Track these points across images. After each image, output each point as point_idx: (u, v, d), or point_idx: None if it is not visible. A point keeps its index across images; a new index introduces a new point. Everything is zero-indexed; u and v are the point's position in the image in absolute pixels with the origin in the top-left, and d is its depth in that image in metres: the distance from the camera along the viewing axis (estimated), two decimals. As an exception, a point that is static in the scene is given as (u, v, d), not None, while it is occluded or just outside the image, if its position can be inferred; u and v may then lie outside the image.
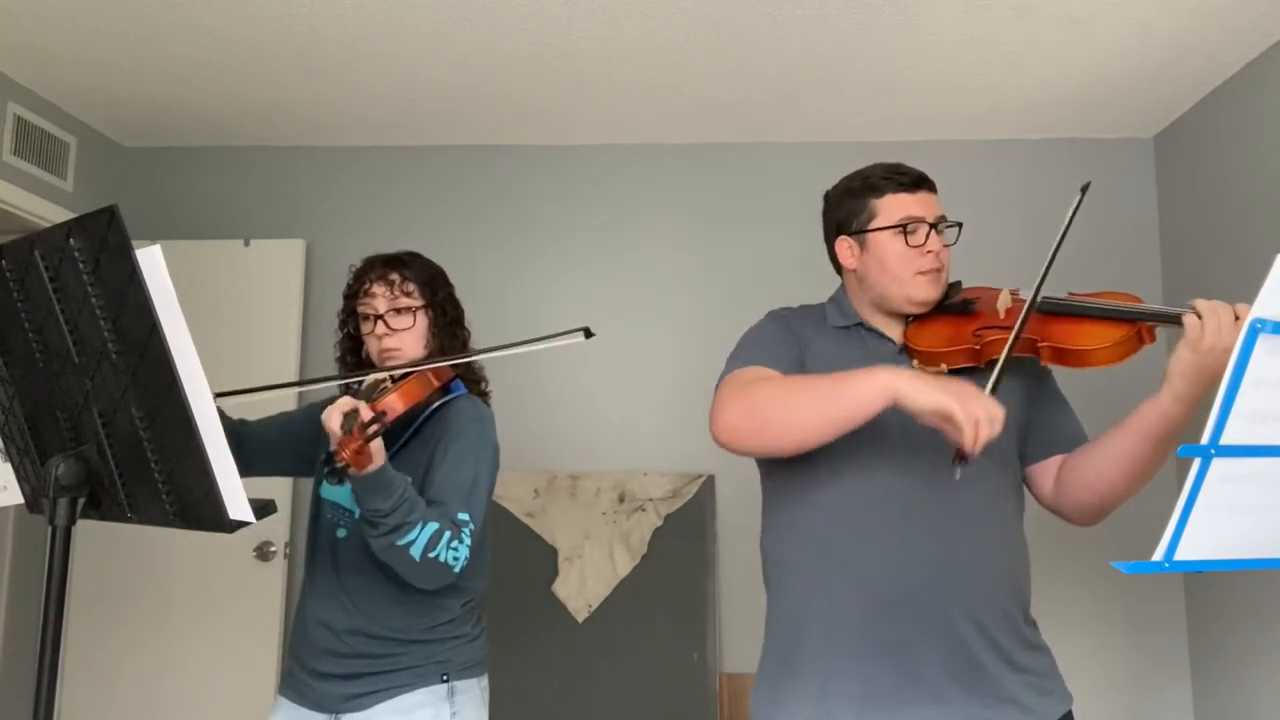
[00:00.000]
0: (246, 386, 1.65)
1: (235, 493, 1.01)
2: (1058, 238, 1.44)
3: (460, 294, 1.83)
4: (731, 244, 3.60)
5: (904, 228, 1.49)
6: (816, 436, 1.32)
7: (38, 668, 0.99)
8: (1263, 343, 0.92)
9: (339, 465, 1.34)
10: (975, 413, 1.18)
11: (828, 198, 1.62)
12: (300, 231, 3.64)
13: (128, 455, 1.07)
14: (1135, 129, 3.50)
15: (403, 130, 3.57)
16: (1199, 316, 1.23)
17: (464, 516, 1.55)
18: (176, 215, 3.69)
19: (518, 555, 3.28)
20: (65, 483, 1.05)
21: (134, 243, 0.99)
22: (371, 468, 1.40)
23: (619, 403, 3.53)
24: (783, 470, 1.49)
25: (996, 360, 1.37)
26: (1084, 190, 1.48)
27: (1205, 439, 0.94)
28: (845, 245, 1.56)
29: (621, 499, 3.35)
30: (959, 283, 1.57)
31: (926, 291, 1.49)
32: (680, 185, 3.64)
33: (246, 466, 1.70)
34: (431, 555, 1.47)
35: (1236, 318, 1.22)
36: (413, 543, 1.46)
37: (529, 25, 2.75)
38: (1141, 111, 3.34)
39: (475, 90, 3.22)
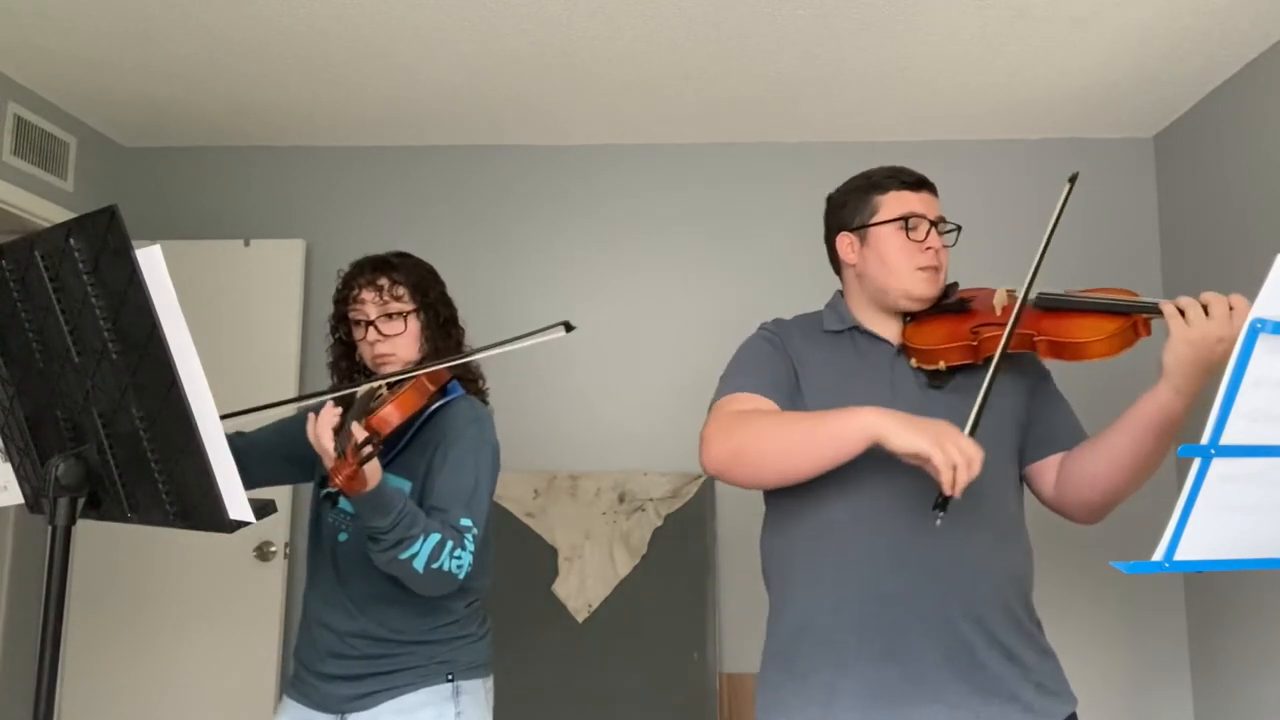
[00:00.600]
0: (245, 405, 1.63)
1: (235, 493, 1.01)
2: (1048, 230, 1.45)
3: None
4: (731, 244, 3.60)
5: (905, 222, 1.50)
6: (799, 475, 1.36)
7: (38, 668, 0.99)
8: (1263, 343, 0.92)
9: (332, 490, 1.31)
10: (953, 456, 1.19)
11: (830, 199, 1.63)
12: (300, 231, 3.64)
13: (128, 455, 1.07)
14: (1135, 129, 3.50)
15: (403, 130, 3.57)
16: (1180, 311, 1.24)
17: (466, 522, 1.55)
18: (176, 215, 3.69)
19: (518, 555, 3.28)
20: (65, 483, 1.05)
21: (134, 243, 0.99)
22: (367, 489, 1.38)
23: (619, 403, 3.53)
24: None
25: (992, 357, 1.37)
26: (1072, 181, 1.49)
27: (1205, 439, 0.94)
28: (846, 241, 1.57)
29: (621, 499, 3.35)
30: (955, 284, 1.58)
31: (924, 288, 1.50)
32: (680, 185, 3.64)
33: (249, 479, 1.70)
34: (435, 566, 1.47)
35: (1231, 308, 1.23)
36: (415, 555, 1.45)
37: (529, 25, 2.75)
38: (1141, 111, 3.34)
39: (475, 90, 3.22)
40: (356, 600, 1.64)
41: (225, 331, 3.42)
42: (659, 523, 3.31)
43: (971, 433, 1.28)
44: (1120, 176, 3.53)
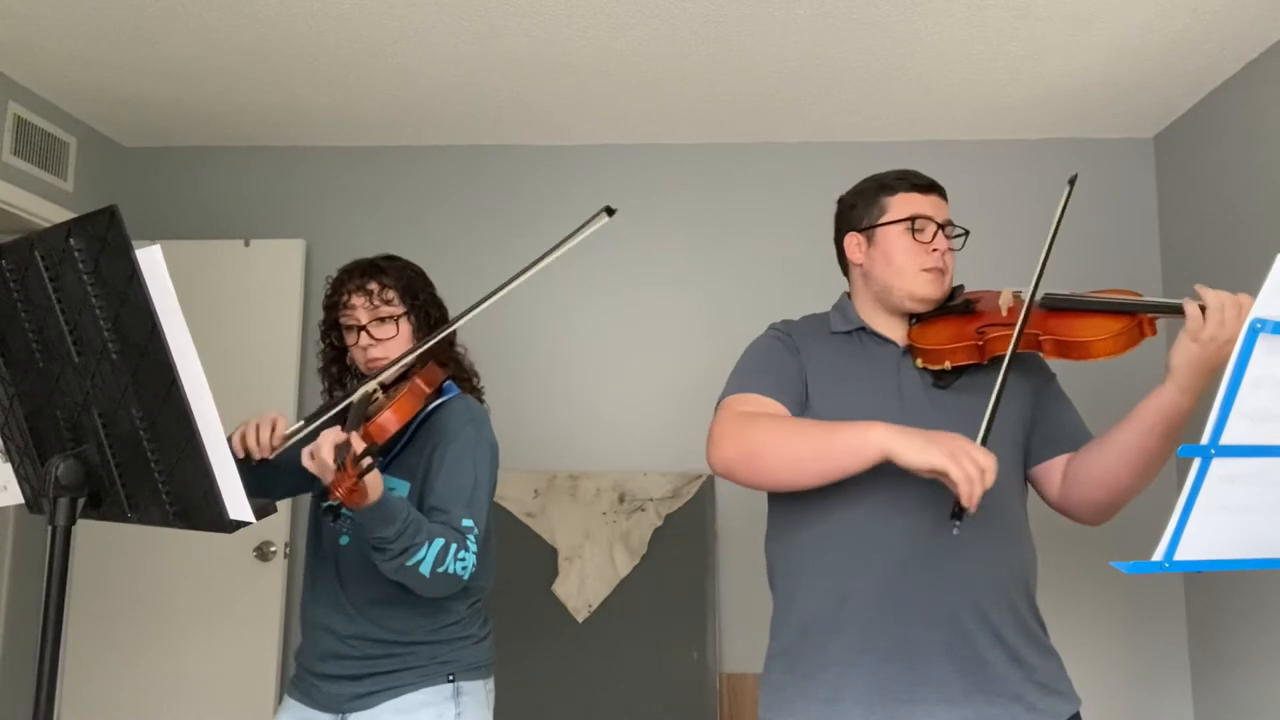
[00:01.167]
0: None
1: (235, 493, 1.01)
2: (1051, 232, 1.46)
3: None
4: (732, 244, 3.60)
5: (912, 223, 1.51)
6: (806, 484, 1.37)
7: (38, 668, 0.99)
8: (1263, 343, 0.92)
9: (334, 504, 1.30)
10: (969, 469, 1.20)
11: (841, 200, 1.64)
12: (300, 231, 3.64)
13: (128, 455, 1.07)
14: (1135, 129, 3.50)
15: (403, 130, 3.57)
16: (1203, 307, 1.24)
17: (468, 522, 1.55)
18: (176, 215, 3.69)
19: (518, 555, 3.28)
20: (65, 483, 1.05)
21: (134, 243, 0.99)
22: (369, 502, 1.37)
23: (619, 403, 3.53)
24: None
25: (1000, 357, 1.38)
26: (1071, 183, 1.50)
27: (1205, 439, 0.94)
28: (854, 241, 1.58)
29: (621, 499, 3.35)
30: (961, 286, 1.58)
31: (928, 289, 1.50)
32: (680, 185, 3.64)
33: (268, 494, 1.71)
34: (440, 570, 1.47)
35: (1241, 306, 1.23)
36: (421, 561, 1.45)
37: (529, 25, 2.75)
38: (1141, 111, 3.34)
39: (475, 90, 3.22)
40: (358, 603, 1.64)
41: (225, 331, 3.42)
42: (659, 523, 3.31)
43: (984, 441, 1.29)
44: (1120, 176, 3.53)
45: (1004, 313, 1.46)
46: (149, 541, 3.35)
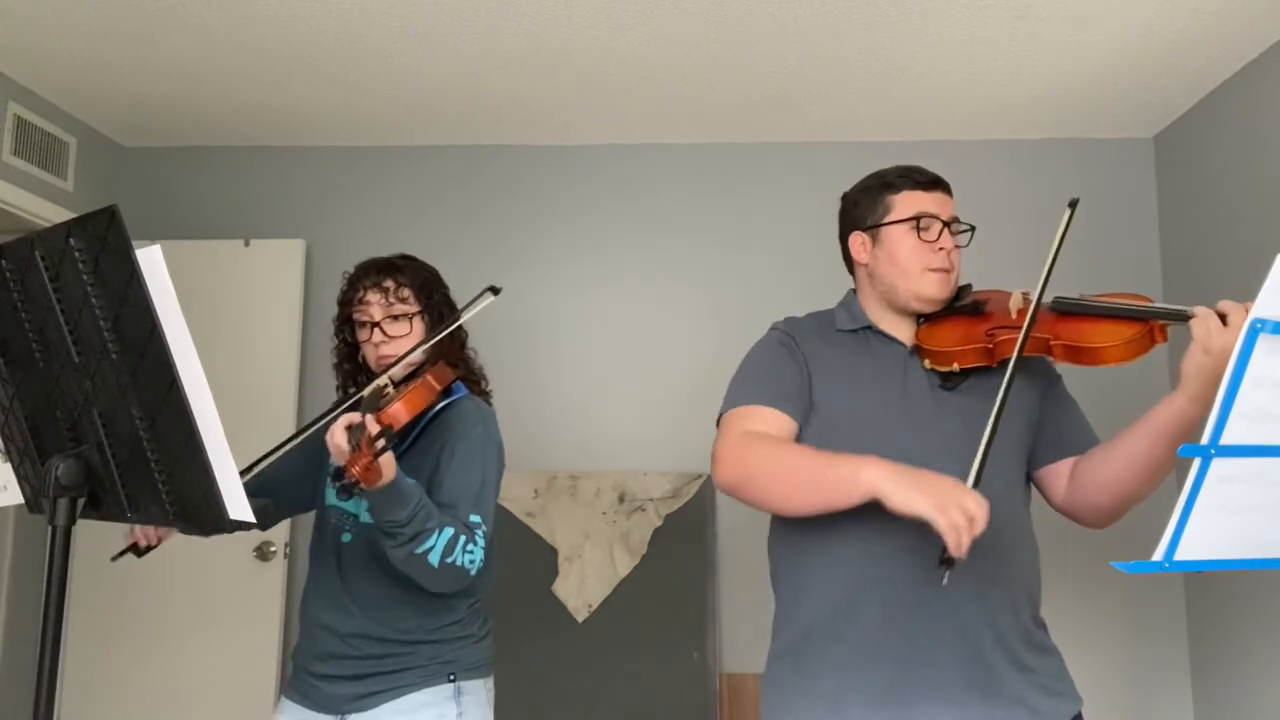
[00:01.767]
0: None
1: (235, 493, 1.01)
2: (1054, 248, 1.44)
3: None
4: (732, 244, 3.60)
5: (917, 222, 1.49)
6: (804, 513, 1.37)
7: (38, 668, 0.99)
8: (1263, 343, 0.92)
9: (349, 482, 1.31)
10: (956, 519, 1.17)
11: (845, 197, 1.62)
12: (300, 231, 3.64)
13: (128, 455, 1.07)
14: (1135, 129, 3.50)
15: (403, 130, 3.57)
16: (1222, 315, 1.23)
17: (476, 519, 1.55)
18: (176, 215, 3.69)
19: (518, 555, 3.28)
20: (65, 483, 1.05)
21: (134, 243, 0.99)
22: (383, 482, 1.38)
23: (619, 403, 3.53)
24: None
25: (1008, 360, 1.37)
26: (1073, 206, 1.48)
27: (1205, 439, 0.94)
28: (858, 240, 1.57)
29: (621, 499, 3.35)
30: (969, 285, 1.57)
31: (935, 289, 1.49)
32: (681, 185, 3.64)
33: (268, 509, 1.72)
34: (449, 560, 1.47)
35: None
36: (431, 549, 1.46)
37: (529, 25, 2.75)
38: (1141, 111, 3.34)
39: (475, 90, 3.22)
40: (360, 601, 1.64)
41: (225, 331, 3.42)
42: (659, 523, 3.31)
43: (975, 484, 1.26)
44: (1120, 176, 3.53)
45: (1013, 315, 1.45)
46: (149, 541, 3.34)
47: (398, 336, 1.69)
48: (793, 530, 1.50)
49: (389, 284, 1.70)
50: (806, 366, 1.50)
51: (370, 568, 1.62)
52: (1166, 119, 3.41)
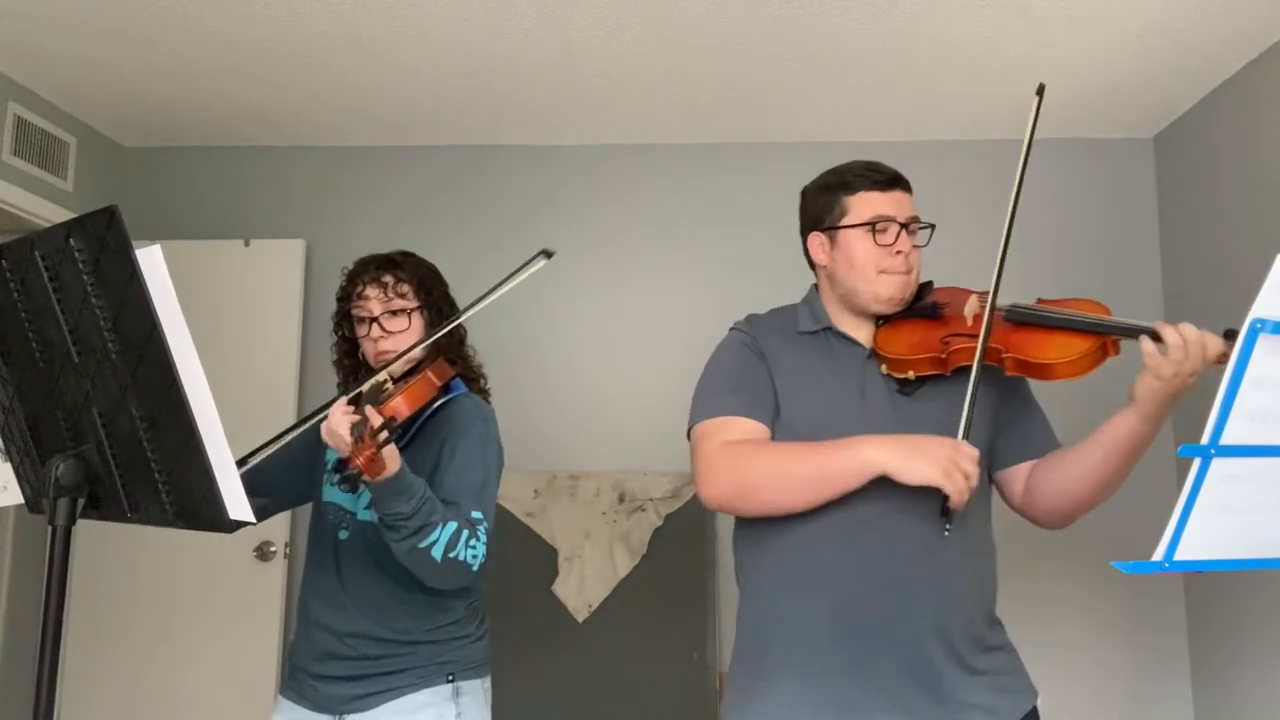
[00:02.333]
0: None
1: (235, 493, 1.01)
2: (1000, 252, 1.44)
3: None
4: (731, 244, 3.60)
5: (873, 226, 1.49)
6: (801, 508, 1.39)
7: (38, 668, 0.99)
8: (1263, 343, 0.92)
9: (352, 473, 1.31)
10: (958, 480, 1.27)
11: (804, 193, 1.62)
12: (300, 231, 3.64)
13: (128, 455, 1.07)
14: (1135, 129, 3.50)
15: (403, 130, 3.57)
16: (1164, 342, 1.23)
17: (478, 515, 1.55)
18: (176, 215, 3.69)
19: (518, 555, 3.28)
20: (65, 483, 1.05)
21: (134, 243, 0.99)
22: (387, 474, 1.38)
23: (619, 403, 3.53)
24: None
25: (965, 368, 1.38)
26: (1013, 208, 1.48)
27: (1205, 439, 0.94)
28: (817, 241, 1.57)
29: (621, 499, 3.35)
30: (930, 283, 1.56)
31: (893, 290, 1.49)
32: (680, 185, 3.64)
33: (272, 506, 1.71)
34: (452, 555, 1.47)
35: (1206, 346, 1.21)
36: (435, 543, 1.45)
37: (529, 25, 2.75)
38: (1141, 111, 3.34)
39: (474, 90, 3.22)
40: (357, 600, 1.63)
41: (225, 331, 3.42)
42: (659, 523, 3.31)
43: (964, 436, 1.32)
44: (1120, 176, 3.53)
45: (969, 321, 1.44)
46: (149, 542, 3.34)
47: (396, 332, 1.68)
48: (755, 536, 1.50)
49: (388, 279, 1.70)
50: (768, 367, 1.51)
51: (368, 565, 1.62)
52: (1166, 119, 3.40)
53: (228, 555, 3.36)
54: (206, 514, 1.02)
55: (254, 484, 1.66)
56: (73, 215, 1.10)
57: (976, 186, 3.47)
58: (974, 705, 1.38)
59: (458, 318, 1.65)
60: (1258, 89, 2.91)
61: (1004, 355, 1.38)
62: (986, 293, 1.42)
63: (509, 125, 3.52)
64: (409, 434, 1.68)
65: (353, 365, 1.80)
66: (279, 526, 3.38)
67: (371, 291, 1.70)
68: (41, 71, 3.10)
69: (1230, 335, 1.20)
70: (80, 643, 3.35)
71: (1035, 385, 1.55)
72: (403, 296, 1.70)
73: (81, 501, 1.07)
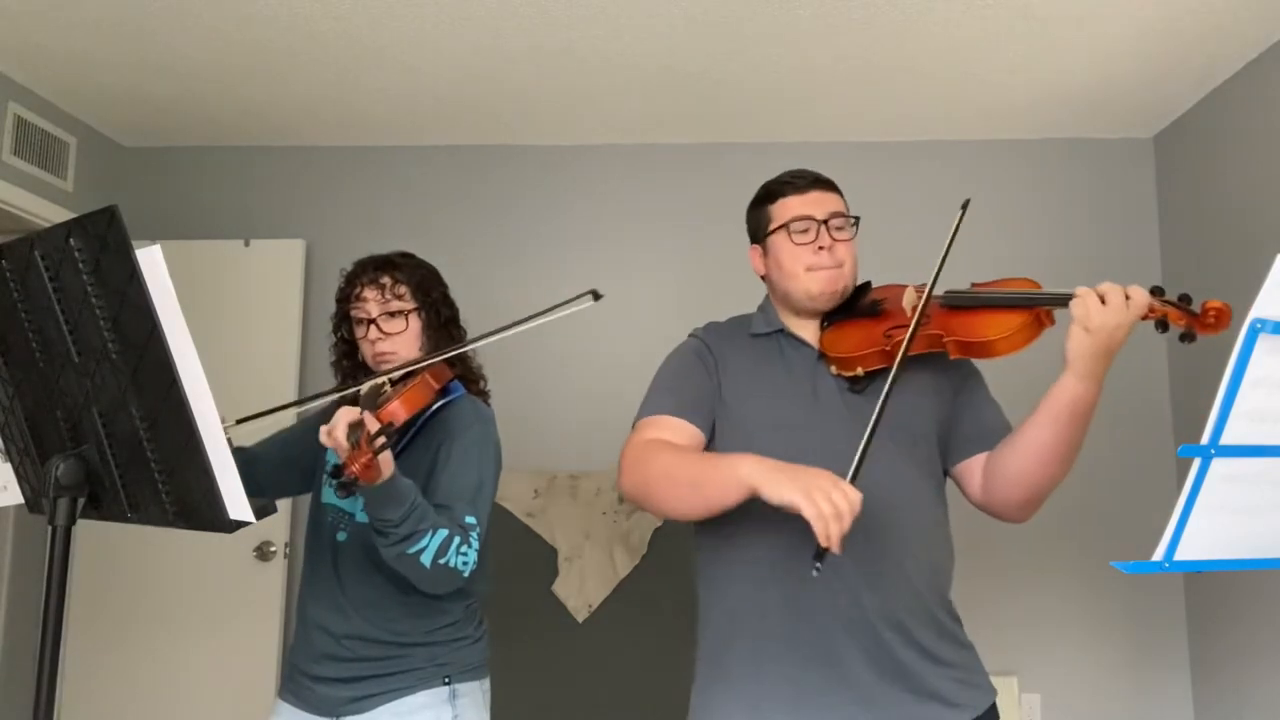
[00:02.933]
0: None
1: (235, 493, 1.01)
2: (946, 245, 1.45)
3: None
4: (731, 244, 3.58)
5: (788, 226, 1.54)
6: (694, 516, 1.40)
7: (38, 668, 0.99)
8: (1263, 343, 0.92)
9: (348, 479, 1.32)
10: (823, 509, 1.16)
11: (747, 211, 1.69)
12: (300, 231, 3.64)
13: (128, 455, 1.07)
14: (1135, 129, 3.50)
15: (403, 130, 3.57)
16: (1089, 296, 1.27)
17: (471, 520, 1.55)
18: (176, 215, 3.69)
19: (518, 555, 3.28)
20: (65, 483, 1.05)
21: (134, 243, 0.99)
22: (381, 479, 1.38)
23: (619, 403, 3.51)
24: None
25: (913, 356, 1.39)
26: (964, 208, 1.49)
27: (1205, 439, 0.94)
28: (756, 254, 1.65)
29: (621, 499, 3.35)
30: (869, 283, 1.58)
31: (820, 285, 1.52)
32: (680, 185, 3.64)
33: (259, 492, 1.70)
34: (442, 562, 1.47)
35: (1128, 297, 1.26)
36: (423, 550, 1.45)
37: (529, 25, 2.75)
38: (1141, 111, 3.34)
39: (475, 90, 3.22)
40: (354, 602, 1.63)
41: (225, 331, 3.42)
42: (659, 523, 3.31)
43: (853, 479, 1.25)
44: (1120, 176, 3.53)
45: (909, 312, 1.46)
46: (149, 541, 3.34)
47: (394, 333, 1.68)
48: (709, 536, 1.51)
49: (385, 280, 1.69)
50: (717, 373, 1.54)
51: (365, 567, 1.62)
52: (1166, 119, 3.41)
53: (228, 555, 3.36)
54: (206, 514, 1.02)
55: (244, 468, 1.66)
56: (73, 215, 1.10)
57: (977, 186, 3.47)
58: (935, 696, 1.39)
59: (483, 339, 1.60)
60: (1258, 89, 2.91)
61: (945, 339, 1.41)
62: (924, 285, 1.45)
63: (510, 125, 3.52)
64: (407, 437, 1.67)
65: (351, 366, 1.80)
66: (279, 526, 3.38)
67: (369, 293, 1.69)
68: (41, 71, 3.10)
69: (1156, 291, 1.28)
70: (80, 642, 3.35)
71: (994, 379, 1.58)
72: (400, 298, 1.70)
73: (81, 501, 1.07)
